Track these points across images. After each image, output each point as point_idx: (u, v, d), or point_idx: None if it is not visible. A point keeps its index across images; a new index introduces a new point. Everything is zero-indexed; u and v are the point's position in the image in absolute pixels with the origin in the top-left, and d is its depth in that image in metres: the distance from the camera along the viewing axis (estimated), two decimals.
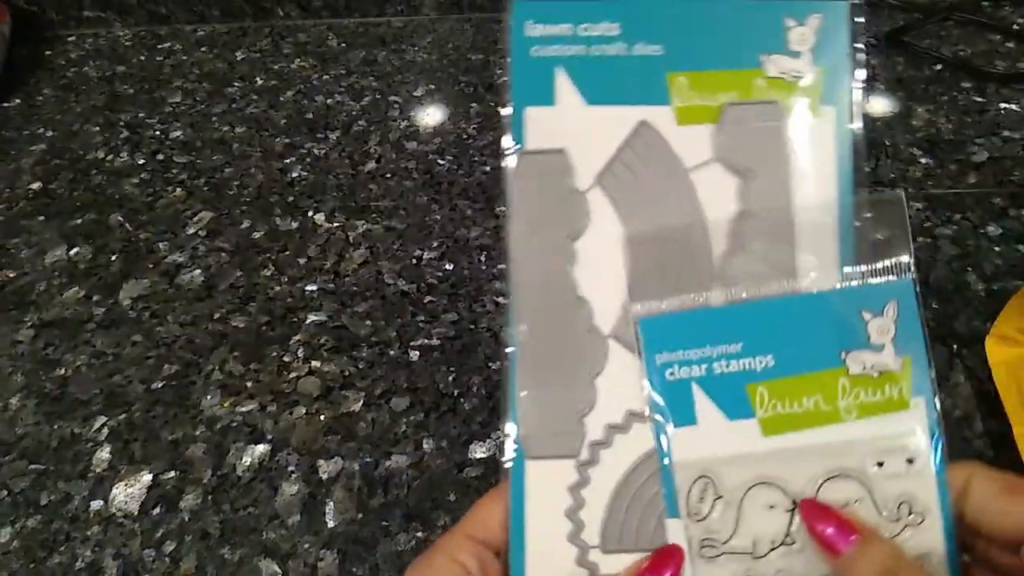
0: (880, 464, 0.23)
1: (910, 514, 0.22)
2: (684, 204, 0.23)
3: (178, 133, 0.62)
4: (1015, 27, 0.63)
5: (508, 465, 0.23)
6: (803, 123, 0.23)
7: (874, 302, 0.23)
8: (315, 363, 0.44)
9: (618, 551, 0.23)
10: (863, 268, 0.23)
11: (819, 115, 0.23)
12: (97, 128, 0.63)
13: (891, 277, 0.23)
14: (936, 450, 0.23)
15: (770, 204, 0.23)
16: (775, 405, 0.23)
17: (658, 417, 0.23)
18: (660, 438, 0.23)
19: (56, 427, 0.43)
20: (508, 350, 0.24)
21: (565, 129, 0.23)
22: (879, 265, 0.23)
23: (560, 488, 0.23)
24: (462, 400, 0.42)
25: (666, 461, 0.23)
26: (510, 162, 0.24)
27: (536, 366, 0.23)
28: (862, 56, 0.23)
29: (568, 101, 0.23)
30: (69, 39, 0.74)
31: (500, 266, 0.48)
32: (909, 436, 0.22)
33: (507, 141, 0.24)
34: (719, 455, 0.23)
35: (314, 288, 0.48)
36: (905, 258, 0.23)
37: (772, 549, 0.22)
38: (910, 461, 0.22)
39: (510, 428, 0.23)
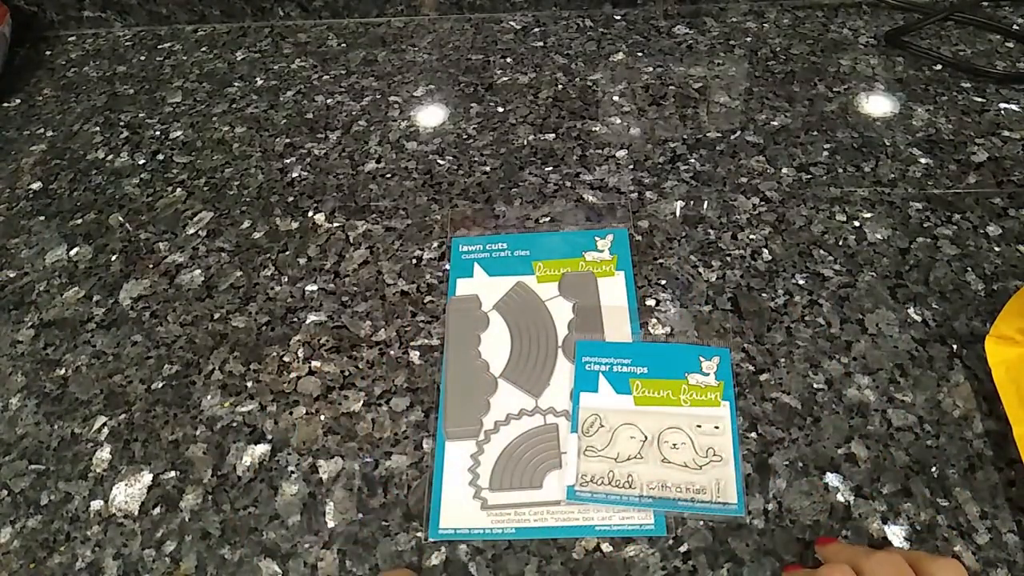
0: (699, 426, 0.39)
1: (715, 456, 0.38)
2: (542, 316, 0.45)
3: (178, 133, 0.62)
4: (1015, 27, 0.63)
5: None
6: (606, 279, 0.47)
7: (707, 353, 0.42)
8: (315, 363, 0.44)
9: (499, 489, 0.38)
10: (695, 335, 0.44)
11: (614, 275, 0.47)
12: (97, 128, 0.63)
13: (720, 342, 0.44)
14: (733, 424, 0.39)
15: (588, 311, 0.45)
16: (644, 391, 0.41)
17: (579, 387, 0.41)
18: (577, 396, 0.41)
19: (56, 427, 0.43)
20: (439, 386, 0.42)
21: (478, 286, 0.47)
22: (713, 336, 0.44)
23: (465, 455, 0.39)
24: None
25: (578, 405, 0.40)
26: (448, 303, 0.46)
27: (456, 392, 0.42)
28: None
29: (479, 275, 0.47)
30: (69, 39, 0.74)
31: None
32: (718, 416, 0.39)
33: (448, 295, 0.47)
34: (607, 407, 0.40)
35: (314, 288, 0.48)
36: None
37: (628, 459, 0.38)
38: (717, 427, 0.39)
39: (440, 426, 0.41)
